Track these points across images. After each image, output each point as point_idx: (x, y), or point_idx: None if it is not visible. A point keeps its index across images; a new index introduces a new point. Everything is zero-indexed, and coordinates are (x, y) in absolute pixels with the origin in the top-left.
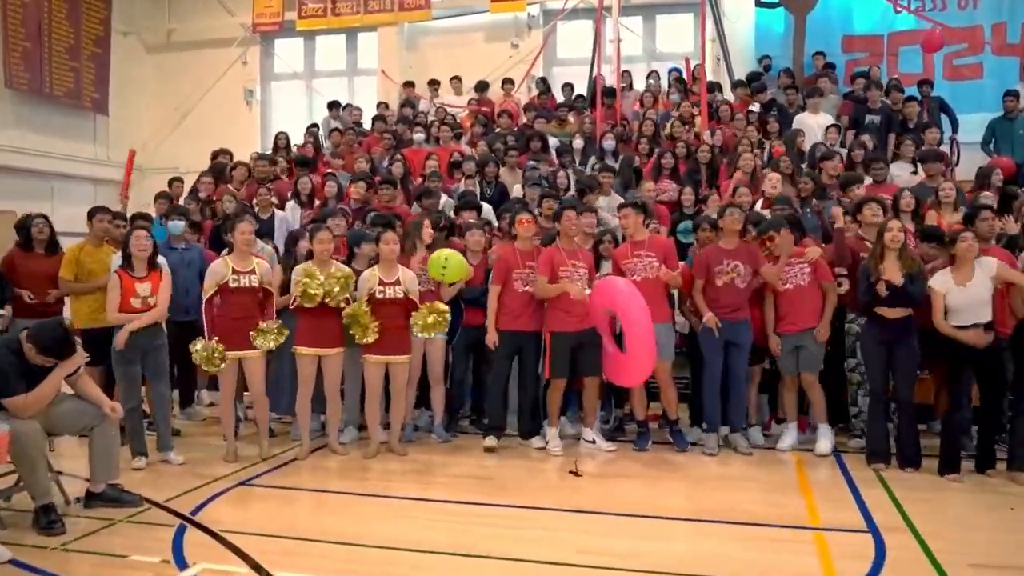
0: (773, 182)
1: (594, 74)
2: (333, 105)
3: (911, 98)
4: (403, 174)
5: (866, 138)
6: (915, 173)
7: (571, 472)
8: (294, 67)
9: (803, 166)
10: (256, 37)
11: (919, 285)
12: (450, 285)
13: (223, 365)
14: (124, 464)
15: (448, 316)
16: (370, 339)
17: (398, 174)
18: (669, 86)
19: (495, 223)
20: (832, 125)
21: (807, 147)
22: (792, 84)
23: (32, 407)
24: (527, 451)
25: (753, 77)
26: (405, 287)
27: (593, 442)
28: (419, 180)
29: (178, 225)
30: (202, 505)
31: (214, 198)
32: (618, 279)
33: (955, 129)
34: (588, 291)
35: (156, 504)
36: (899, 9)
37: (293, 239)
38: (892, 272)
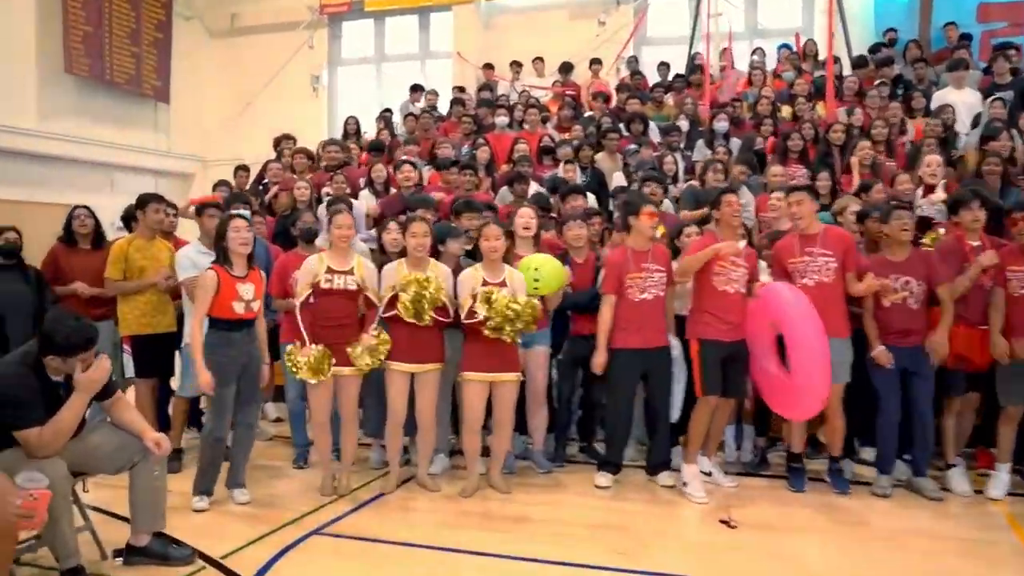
0: (932, 167)
1: (694, 51)
2: (416, 88)
3: None
4: (488, 160)
5: None
6: None
7: (722, 522)
8: (363, 51)
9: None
10: (323, 19)
11: None
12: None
13: (330, 374)
14: (181, 499)
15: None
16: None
17: (484, 160)
18: (778, 63)
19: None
20: (996, 98)
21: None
22: (922, 57)
23: (51, 442)
24: (652, 488)
25: (875, 50)
26: (513, 289)
27: (709, 474)
28: (504, 167)
29: (244, 215)
30: (270, 563)
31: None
32: (782, 286)
33: None
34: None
35: (212, 562)
36: None
37: (379, 233)
38: None
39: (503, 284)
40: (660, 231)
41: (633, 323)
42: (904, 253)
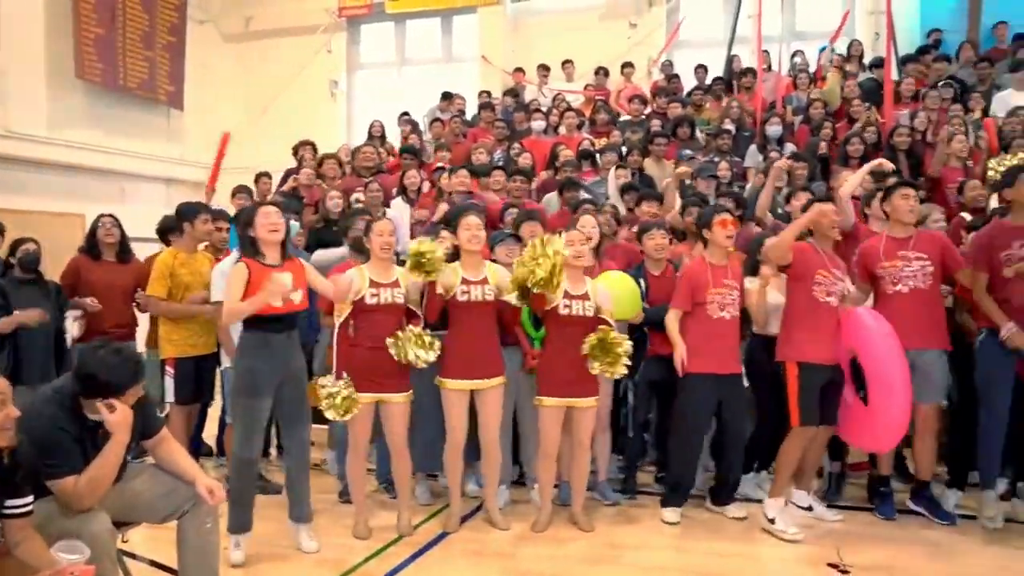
0: None
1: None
2: (447, 96)
3: None
4: (531, 166)
5: None
6: None
7: (832, 566)
8: (383, 54)
9: None
10: (342, 23)
11: None
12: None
13: (351, 414)
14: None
15: (627, 348)
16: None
17: (525, 166)
18: (819, 65)
19: None
20: None
21: None
22: (985, 57)
23: (89, 493)
24: (743, 526)
25: (922, 52)
26: (595, 302)
27: (810, 509)
28: (543, 173)
29: (294, 225)
30: None
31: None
32: (862, 312)
33: None
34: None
35: None
36: None
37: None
38: None
39: (585, 296)
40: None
41: (710, 344)
42: None
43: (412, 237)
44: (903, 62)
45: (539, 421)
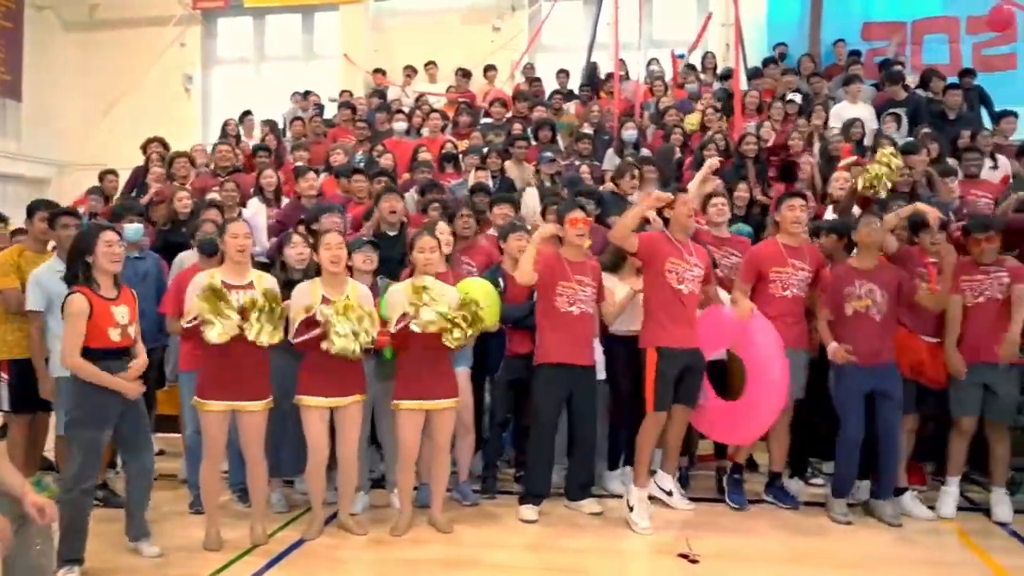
0: (841, 182)
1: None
2: (307, 94)
3: (953, 86)
4: (392, 168)
5: (927, 131)
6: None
7: (682, 556)
8: (241, 50)
9: None
10: (197, 15)
11: None
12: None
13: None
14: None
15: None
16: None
17: (387, 167)
18: (675, 72)
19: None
20: (890, 113)
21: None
22: (816, 72)
23: None
24: (597, 520)
25: (766, 64)
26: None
27: (670, 494)
28: (405, 175)
29: (138, 229)
30: None
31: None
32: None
33: (996, 121)
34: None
35: None
36: None
37: (279, 245)
38: None
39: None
40: (586, 243)
41: (557, 336)
42: (872, 261)
43: (269, 237)
44: (752, 74)
45: (397, 426)
